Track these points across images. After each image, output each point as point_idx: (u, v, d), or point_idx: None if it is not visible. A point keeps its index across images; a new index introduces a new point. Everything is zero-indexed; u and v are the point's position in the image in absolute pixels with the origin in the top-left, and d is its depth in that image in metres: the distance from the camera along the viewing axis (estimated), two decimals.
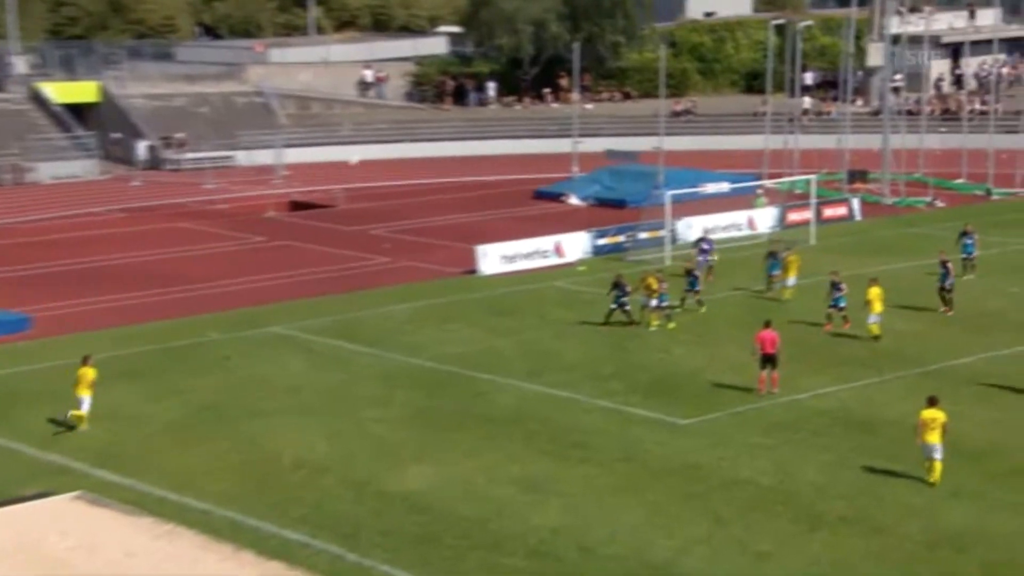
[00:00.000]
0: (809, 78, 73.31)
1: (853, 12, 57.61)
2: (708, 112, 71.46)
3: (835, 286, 33.66)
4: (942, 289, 35.12)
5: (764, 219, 48.39)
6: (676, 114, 70.18)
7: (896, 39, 58.55)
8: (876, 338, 32.63)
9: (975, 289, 36.66)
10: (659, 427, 26.95)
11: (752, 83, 75.70)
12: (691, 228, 45.74)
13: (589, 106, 71.70)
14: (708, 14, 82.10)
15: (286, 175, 61.15)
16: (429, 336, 34.24)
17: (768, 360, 28.59)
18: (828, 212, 49.54)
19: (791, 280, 36.44)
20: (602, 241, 44.76)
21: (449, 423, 27.44)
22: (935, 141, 60.96)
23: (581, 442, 26.07)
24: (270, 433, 26.96)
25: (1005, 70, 72.80)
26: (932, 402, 23.96)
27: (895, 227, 48.55)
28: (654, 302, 34.42)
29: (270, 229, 50.51)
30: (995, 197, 54.03)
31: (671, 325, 34.34)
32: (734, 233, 46.42)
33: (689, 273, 36.39)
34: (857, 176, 56.53)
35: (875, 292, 32.76)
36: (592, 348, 32.85)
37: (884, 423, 26.60)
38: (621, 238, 45.03)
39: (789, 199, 50.33)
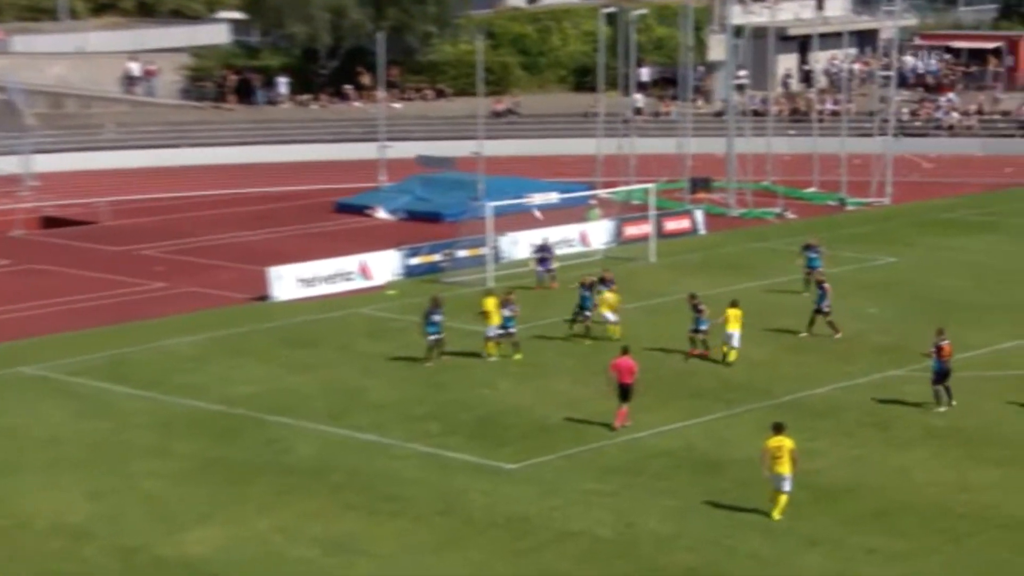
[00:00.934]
0: (645, 74, 75.13)
1: (691, 0, 59.27)
2: (533, 112, 72.55)
3: (695, 308, 34.58)
4: (818, 312, 36.31)
5: (598, 234, 49.31)
6: (497, 114, 70.94)
7: (739, 31, 60.46)
8: (728, 364, 33.65)
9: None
10: (483, 474, 27.16)
11: (582, 80, 76.94)
12: (517, 245, 46.28)
13: (397, 105, 71.83)
14: (531, 1, 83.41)
15: (35, 186, 59.46)
16: (214, 374, 33.75)
17: (625, 391, 29.17)
18: (669, 225, 50.75)
19: (610, 316, 36.61)
20: (415, 260, 44.93)
21: (239, 476, 27.10)
22: (783, 145, 63.08)
23: (394, 494, 26.09)
24: (19, 493, 26.17)
25: (856, 66, 76.06)
26: (778, 429, 24.97)
27: (743, 242, 50.12)
28: (492, 331, 34.65)
29: (17, 250, 49.03)
30: (849, 207, 56.30)
31: (517, 356, 34.67)
32: (566, 250, 47.03)
33: (586, 286, 36.66)
34: (700, 185, 58.04)
35: (734, 313, 34.04)
36: (404, 385, 32.91)
37: (733, 463, 27.42)
38: (437, 257, 45.25)
39: (626, 211, 51.41)
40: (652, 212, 48.32)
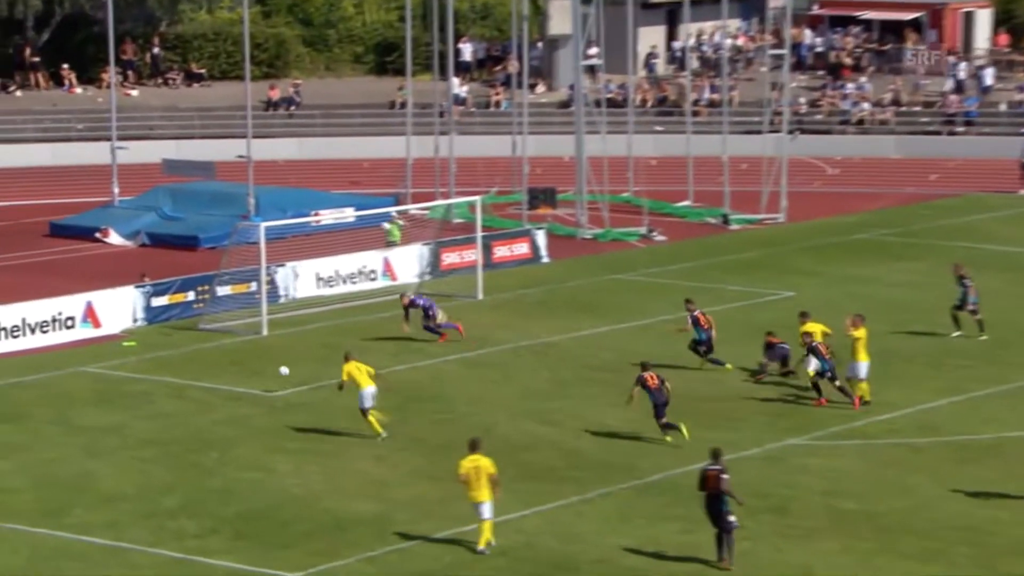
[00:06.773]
0: (468, 52, 75.52)
1: None
2: (319, 102, 72.35)
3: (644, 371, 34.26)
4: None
5: (407, 263, 49.20)
6: (271, 105, 70.63)
7: None
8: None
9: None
10: None
11: (384, 59, 77.09)
12: (300, 278, 46.03)
13: (134, 92, 71.10)
14: None
15: None
16: None
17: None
18: (501, 251, 51.04)
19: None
20: (160, 301, 44.36)
21: None
22: (649, 145, 63.94)
23: None
24: None
25: (740, 42, 77.49)
26: (473, 447, 27.85)
27: (598, 272, 50.50)
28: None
29: None
30: (734, 226, 57.25)
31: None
32: (366, 285, 47.09)
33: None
34: (542, 198, 58.48)
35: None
36: (148, 468, 32.39)
37: (586, 563, 27.55)
38: (190, 295, 44.74)
39: (443, 232, 51.44)
40: (479, 233, 48.47)
